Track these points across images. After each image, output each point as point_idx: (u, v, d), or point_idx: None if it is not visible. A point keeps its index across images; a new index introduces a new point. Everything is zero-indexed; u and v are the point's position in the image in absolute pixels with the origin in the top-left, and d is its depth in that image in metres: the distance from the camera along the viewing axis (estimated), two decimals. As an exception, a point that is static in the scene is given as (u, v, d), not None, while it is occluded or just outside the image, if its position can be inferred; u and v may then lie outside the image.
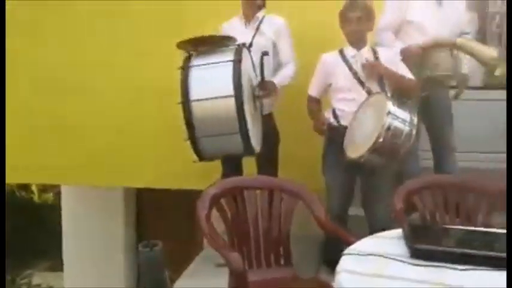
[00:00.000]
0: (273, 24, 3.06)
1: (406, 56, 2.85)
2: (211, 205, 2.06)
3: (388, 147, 2.42)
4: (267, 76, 3.00)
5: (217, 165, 2.94)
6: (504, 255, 1.46)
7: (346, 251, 1.56)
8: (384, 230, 1.82)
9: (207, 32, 2.72)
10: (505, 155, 3.66)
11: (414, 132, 2.46)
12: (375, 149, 2.40)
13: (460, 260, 1.44)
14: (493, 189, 2.32)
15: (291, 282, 2.17)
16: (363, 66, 2.65)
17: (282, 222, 2.23)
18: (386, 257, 1.48)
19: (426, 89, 2.97)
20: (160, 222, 4.53)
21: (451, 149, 3.20)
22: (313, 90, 2.83)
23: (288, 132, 3.19)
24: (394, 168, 2.76)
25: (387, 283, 1.39)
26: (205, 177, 2.75)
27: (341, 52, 2.74)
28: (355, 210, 2.88)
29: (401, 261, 1.47)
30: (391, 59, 2.69)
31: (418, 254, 1.48)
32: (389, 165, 2.62)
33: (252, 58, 2.84)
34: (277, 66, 3.08)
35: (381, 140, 2.37)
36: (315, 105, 2.83)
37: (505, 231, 1.82)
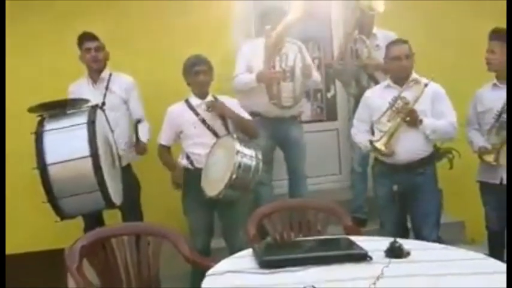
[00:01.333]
0: (122, 83, 3.31)
1: (262, 80, 3.34)
2: (81, 257, 2.17)
3: (241, 181, 2.78)
4: (124, 131, 3.23)
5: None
6: (330, 253, 1.86)
7: (207, 274, 1.82)
8: None
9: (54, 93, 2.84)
10: (332, 176, 4.31)
11: (261, 165, 2.86)
12: (230, 185, 2.74)
13: (298, 263, 1.80)
14: (326, 206, 2.79)
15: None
16: (208, 104, 3.00)
17: (151, 264, 2.41)
18: (240, 272, 1.79)
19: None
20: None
21: (304, 176, 3.70)
22: (163, 139, 3.12)
23: (148, 180, 3.41)
24: (248, 199, 3.13)
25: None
26: (65, 236, 2.78)
27: (187, 102, 3.07)
28: (218, 243, 3.17)
29: (252, 272, 1.79)
30: (233, 105, 3.09)
31: (265, 264, 1.81)
32: (243, 196, 2.99)
33: (106, 116, 3.02)
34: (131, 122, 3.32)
35: (234, 176, 2.73)
36: (166, 152, 3.13)
37: (333, 236, 2.26)
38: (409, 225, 3.17)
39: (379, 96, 3.05)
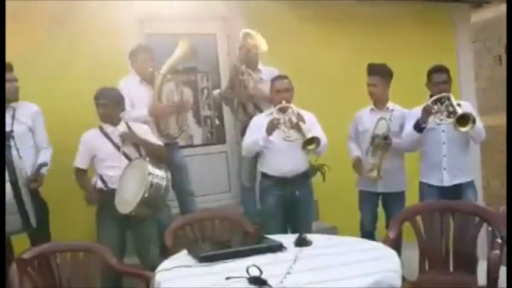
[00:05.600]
0: (28, 111, 3.43)
1: (155, 113, 3.68)
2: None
3: (153, 200, 3.13)
4: (28, 158, 3.34)
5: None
6: (254, 246, 2.33)
7: (156, 271, 2.17)
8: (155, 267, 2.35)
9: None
10: (223, 194, 4.78)
11: (170, 185, 3.24)
12: (143, 202, 3.07)
13: (229, 256, 2.24)
14: (231, 215, 3.28)
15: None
16: (121, 135, 3.30)
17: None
18: (185, 266, 2.18)
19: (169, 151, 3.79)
20: None
21: (191, 194, 4.10)
22: (79, 163, 3.36)
23: (58, 203, 3.55)
24: (158, 217, 3.45)
25: (189, 280, 2.06)
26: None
27: (101, 129, 3.35)
28: (129, 260, 3.39)
29: (195, 266, 2.20)
30: (144, 130, 3.43)
31: (203, 259, 2.23)
32: (154, 214, 3.32)
33: (16, 144, 3.18)
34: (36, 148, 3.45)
35: (146, 195, 3.06)
36: (82, 175, 3.37)
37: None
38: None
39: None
